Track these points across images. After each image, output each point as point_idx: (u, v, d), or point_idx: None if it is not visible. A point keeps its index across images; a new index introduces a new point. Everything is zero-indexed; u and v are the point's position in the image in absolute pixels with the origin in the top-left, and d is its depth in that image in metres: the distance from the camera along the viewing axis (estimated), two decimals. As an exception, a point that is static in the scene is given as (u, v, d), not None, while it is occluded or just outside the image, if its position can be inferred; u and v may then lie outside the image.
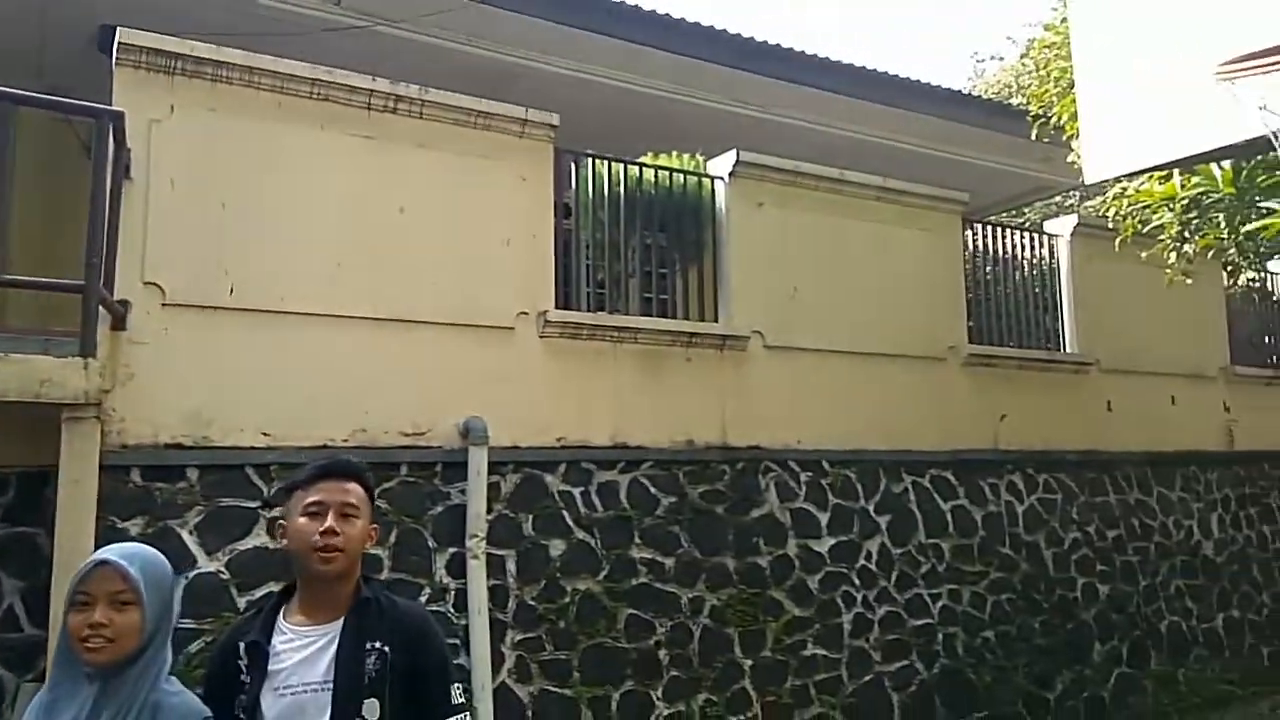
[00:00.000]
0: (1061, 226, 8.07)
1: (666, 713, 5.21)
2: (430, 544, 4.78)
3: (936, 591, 6.39)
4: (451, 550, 4.78)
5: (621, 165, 5.95)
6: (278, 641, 2.12)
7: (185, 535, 4.18)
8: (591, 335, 5.52)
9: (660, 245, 6.13)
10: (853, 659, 5.92)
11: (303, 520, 2.14)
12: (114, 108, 4.19)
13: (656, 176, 6.07)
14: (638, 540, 5.40)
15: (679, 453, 5.68)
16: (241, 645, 2.13)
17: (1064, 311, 7.86)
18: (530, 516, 5.12)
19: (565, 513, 5.23)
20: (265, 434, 4.51)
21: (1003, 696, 6.43)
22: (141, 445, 4.21)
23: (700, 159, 6.34)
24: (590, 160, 5.86)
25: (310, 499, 2.16)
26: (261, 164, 4.68)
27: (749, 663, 5.54)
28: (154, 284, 4.32)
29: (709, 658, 5.42)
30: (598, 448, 5.42)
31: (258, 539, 4.42)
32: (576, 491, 5.31)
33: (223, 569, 4.26)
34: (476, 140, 5.29)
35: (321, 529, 2.10)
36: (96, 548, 3.66)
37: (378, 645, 2.09)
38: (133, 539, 4.06)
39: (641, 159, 6.13)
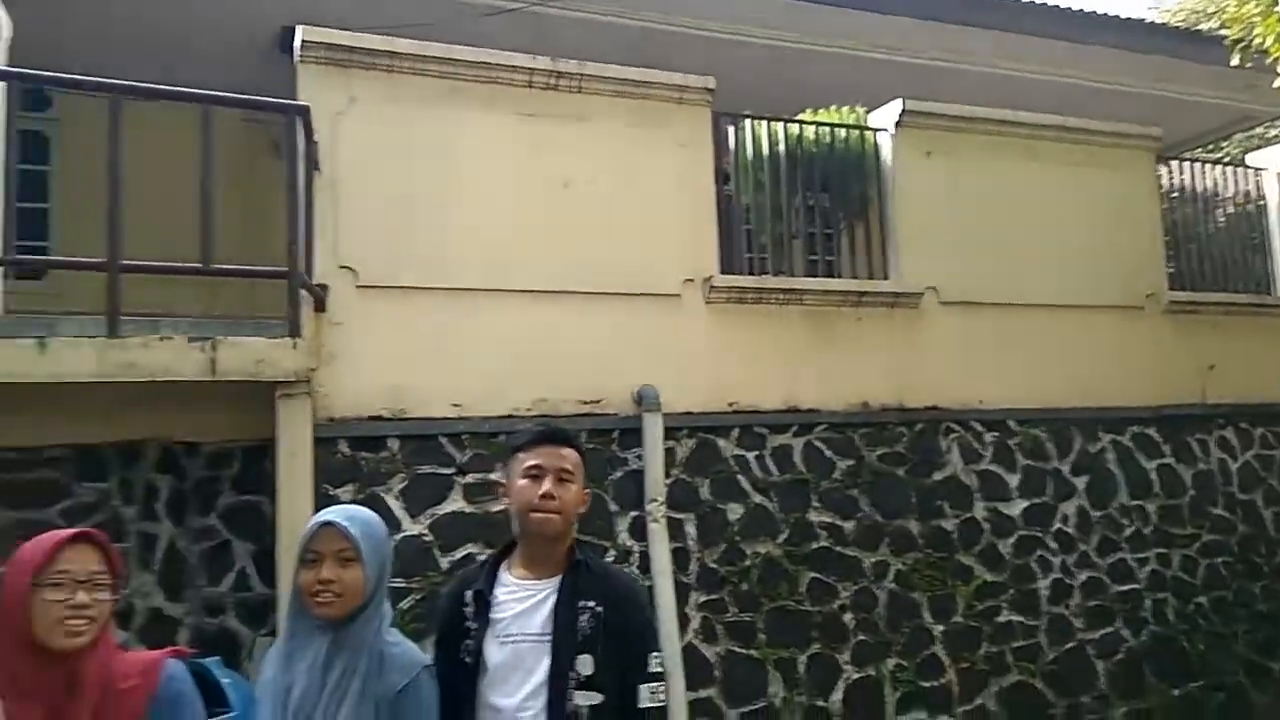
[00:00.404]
0: (1268, 159, 7.32)
1: (855, 676, 5.15)
2: (612, 508, 4.89)
3: (1143, 556, 5.99)
4: (632, 514, 4.88)
5: (780, 124, 5.83)
6: (500, 592, 2.22)
7: (391, 501, 4.45)
8: (758, 299, 5.47)
9: (823, 204, 5.99)
10: (1052, 626, 5.64)
11: (523, 482, 2.23)
12: (300, 103, 4.48)
13: (817, 134, 5.92)
14: (815, 504, 5.33)
15: (853, 415, 5.55)
16: (468, 593, 2.24)
17: (1274, 251, 7.15)
18: (706, 481, 5.15)
19: (741, 477, 5.23)
20: (455, 405, 4.73)
21: (1221, 665, 5.97)
22: (346, 419, 4.51)
23: (861, 112, 6.13)
24: (748, 122, 5.78)
25: (530, 462, 2.24)
26: (436, 147, 4.88)
27: (940, 628, 5.38)
28: (348, 268, 4.60)
29: (896, 622, 5.30)
30: (769, 412, 5.37)
31: (455, 504, 4.65)
32: (750, 455, 5.29)
33: (425, 531, 4.52)
34: (635, 110, 5.32)
35: (540, 492, 2.19)
36: (314, 513, 4.00)
37: (591, 605, 2.15)
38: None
39: (800, 116, 6.00)
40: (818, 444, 5.43)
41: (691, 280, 5.29)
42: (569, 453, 2.27)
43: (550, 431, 2.33)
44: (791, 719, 4.99)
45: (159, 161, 4.89)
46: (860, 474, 5.47)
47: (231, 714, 2.56)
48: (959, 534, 5.59)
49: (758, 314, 5.45)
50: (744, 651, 4.99)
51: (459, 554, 4.59)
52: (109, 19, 6.20)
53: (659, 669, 2.19)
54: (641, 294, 5.16)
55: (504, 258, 4.91)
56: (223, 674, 3.02)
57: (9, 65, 4.30)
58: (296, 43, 4.70)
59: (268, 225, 6.91)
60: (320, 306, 4.50)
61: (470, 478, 4.73)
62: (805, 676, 5.07)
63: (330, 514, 2.16)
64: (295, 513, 3.97)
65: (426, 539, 4.52)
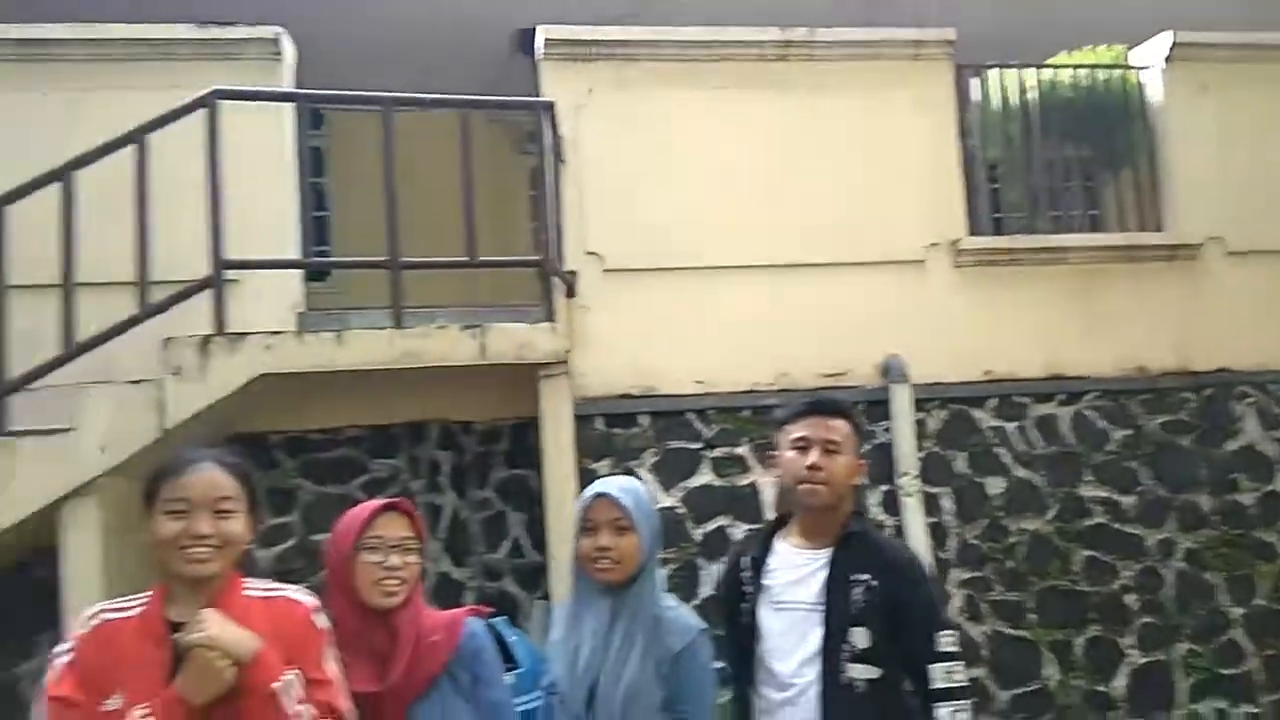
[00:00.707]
0: None
1: (1141, 661, 4.76)
2: (862, 481, 4.80)
3: None
4: (883, 488, 4.76)
5: (1031, 71, 5.44)
6: (773, 560, 2.26)
7: (644, 474, 4.61)
8: (1011, 260, 5.14)
9: (1081, 154, 5.53)
10: (1374, 610, 4.94)
11: (790, 454, 2.25)
12: (547, 99, 4.71)
13: (1073, 78, 5.46)
14: (1088, 477, 4.95)
15: (1128, 381, 5.10)
16: (744, 560, 2.30)
17: None
18: (962, 453, 4.93)
19: (1000, 449, 4.95)
20: (699, 382, 4.82)
21: None
22: (599, 397, 4.72)
23: (1120, 50, 5.59)
24: (993, 72, 5.43)
25: (796, 434, 2.25)
26: (671, 129, 4.96)
27: (1238, 611, 4.86)
28: (594, 253, 4.80)
29: (1187, 605, 4.84)
30: (1030, 379, 5.04)
31: (704, 477, 4.75)
32: (1010, 427, 4.99)
33: (678, 504, 4.65)
34: (869, 72, 5.15)
35: (807, 464, 2.20)
36: (580, 487, 4.23)
37: (865, 578, 2.14)
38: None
39: (1051, 61, 5.56)
40: (1087, 413, 5.04)
41: (937, 245, 5.06)
42: (838, 423, 2.25)
43: (817, 402, 2.32)
44: (1068, 702, 4.71)
45: (414, 164, 5.32)
46: (1139, 444, 5.02)
47: (520, 669, 2.75)
48: (1258, 509, 5.01)
49: (1012, 276, 5.13)
50: (1013, 632, 4.75)
51: (710, 526, 4.69)
52: (365, 39, 6.81)
53: (951, 648, 2.12)
54: (883, 262, 5.01)
55: (741, 234, 4.93)
56: (510, 632, 3.26)
57: (294, 88, 4.83)
58: (539, 42, 4.94)
59: (511, 217, 7.42)
60: (571, 292, 4.74)
61: (718, 452, 4.82)
62: (1083, 659, 4.75)
63: (604, 485, 2.26)
64: (560, 485, 4.22)
65: (680, 511, 4.64)
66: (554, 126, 4.62)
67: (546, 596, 4.61)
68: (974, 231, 5.20)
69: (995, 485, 4.90)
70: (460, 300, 5.23)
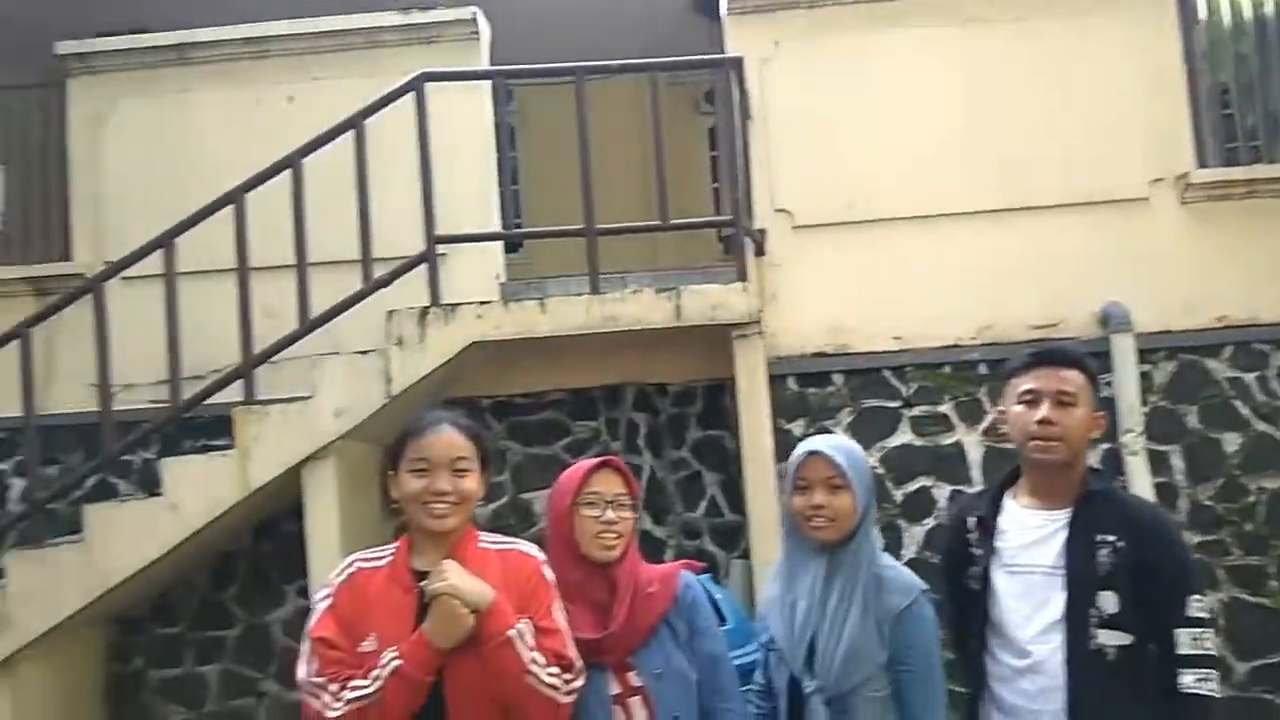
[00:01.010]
0: None
1: (1406, 634, 4.29)
2: (1097, 436, 4.52)
3: None
4: (1104, 446, 4.48)
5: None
6: (1004, 520, 2.15)
7: (840, 435, 4.56)
8: (1248, 193, 4.66)
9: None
10: None
11: (1018, 409, 2.12)
12: (734, 55, 4.66)
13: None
14: (1338, 430, 4.48)
15: (1392, 321, 4.55)
16: (970, 520, 2.22)
17: None
18: (1194, 408, 4.55)
19: (1237, 402, 4.54)
20: (896, 338, 4.68)
21: None
22: (792, 356, 4.68)
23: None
24: (1222, -16, 4.90)
25: (1024, 387, 2.12)
26: (860, 76, 4.80)
27: None
28: (784, 210, 4.74)
29: None
30: (1271, 325, 4.58)
31: (903, 437, 4.64)
32: (1249, 378, 4.56)
33: (876, 465, 4.56)
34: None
35: (1037, 418, 2.07)
36: (775, 447, 4.24)
37: (1110, 539, 2.00)
38: (798, 439, 4.58)
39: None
40: (1337, 359, 4.54)
41: (1161, 180, 4.66)
42: (1070, 374, 2.10)
43: (1046, 352, 2.17)
44: (1318, 678, 4.31)
45: (593, 131, 5.40)
46: None
47: (727, 626, 2.79)
48: None
49: (1251, 212, 4.66)
50: (1253, 599, 4.39)
51: (912, 487, 4.59)
52: (544, 11, 6.93)
53: (1201, 613, 1.98)
54: (1099, 202, 4.66)
55: (937, 181, 4.72)
56: (715, 589, 3.33)
57: (491, 65, 5.01)
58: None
59: (691, 179, 7.42)
60: (760, 251, 4.70)
61: (918, 410, 4.68)
62: (1340, 632, 4.33)
63: (816, 443, 2.22)
64: (756, 445, 4.22)
65: (879, 472, 4.55)
66: (741, 83, 4.56)
67: (744, 555, 4.65)
68: (1203, 164, 4.74)
69: (1231, 441, 4.51)
70: (644, 265, 5.31)
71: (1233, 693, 4.28)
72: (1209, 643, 1.96)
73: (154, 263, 4.17)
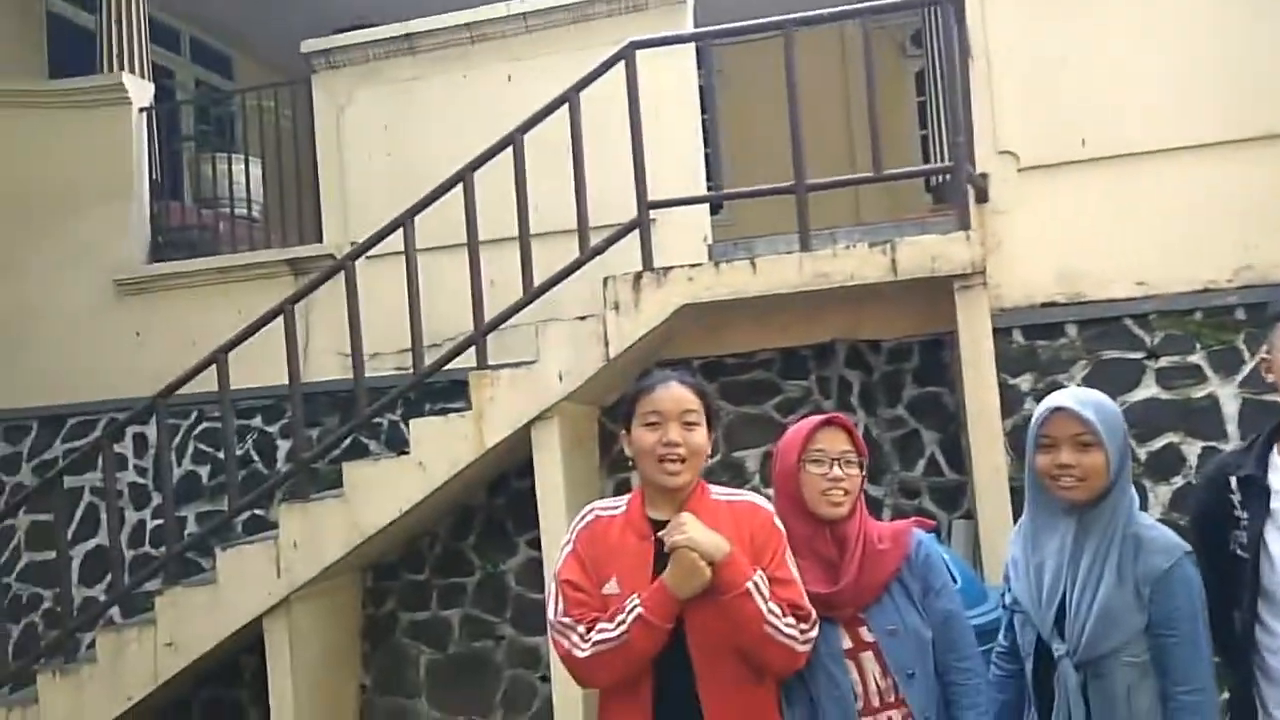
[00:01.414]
0: None
1: None
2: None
3: None
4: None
5: None
6: (1275, 478, 1.99)
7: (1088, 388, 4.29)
8: None
9: None
10: None
11: None
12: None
13: None
14: None
15: None
16: (1233, 479, 2.06)
17: None
18: None
19: None
20: (1139, 283, 4.33)
21: None
22: (1018, 307, 4.43)
23: None
24: None
25: None
26: (1090, 5, 4.43)
27: None
28: (1008, 152, 4.46)
29: None
30: None
31: (1148, 390, 4.30)
32: None
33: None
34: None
35: None
36: (1001, 403, 4.05)
37: None
38: (1024, 395, 4.37)
39: None
40: None
41: None
42: None
43: None
44: None
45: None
46: None
47: (956, 586, 2.72)
48: None
49: None
50: None
51: (1157, 444, 4.25)
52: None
53: None
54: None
55: (1183, 111, 4.29)
56: (942, 549, 3.25)
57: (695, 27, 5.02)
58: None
59: (898, 126, 7.13)
60: (982, 196, 4.46)
61: (1164, 361, 4.32)
62: None
63: (1062, 398, 2.10)
64: (980, 402, 4.04)
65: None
66: (960, 21, 4.32)
67: (966, 516, 4.50)
68: None
69: None
70: (849, 220, 5.18)
71: None
72: None
73: (394, 240, 4.51)
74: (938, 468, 4.65)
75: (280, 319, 4.56)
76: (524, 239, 4.38)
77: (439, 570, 5.15)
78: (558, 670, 4.14)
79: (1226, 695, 2.11)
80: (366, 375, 4.73)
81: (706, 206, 5.06)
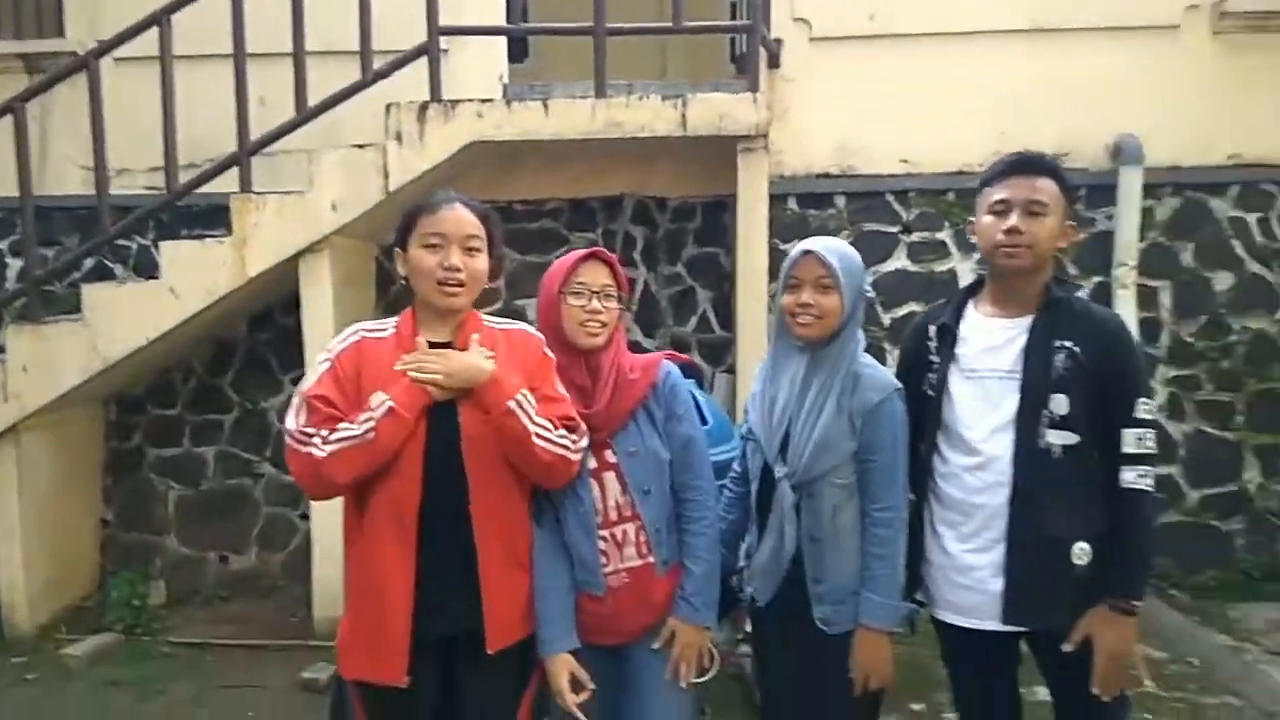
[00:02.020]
0: None
1: (1361, 472, 4.48)
2: (1073, 271, 4.55)
3: None
4: (1096, 280, 4.50)
5: None
6: (965, 327, 2.19)
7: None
8: (1284, 26, 4.48)
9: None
10: None
11: (988, 219, 2.13)
12: None
13: None
14: (1334, 276, 4.50)
15: (1406, 169, 4.48)
16: (932, 328, 2.24)
17: None
18: (1190, 245, 4.56)
19: (1235, 242, 4.54)
20: (903, 161, 4.61)
21: None
22: (796, 176, 4.63)
23: None
24: None
25: (996, 197, 2.12)
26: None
27: None
28: (802, 20, 4.56)
29: None
30: (1283, 166, 4.52)
31: (899, 262, 4.66)
32: (1251, 218, 4.55)
33: (869, 289, 4.59)
34: None
35: (1005, 227, 2.08)
36: (771, 267, 4.24)
37: (1067, 344, 2.04)
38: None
39: None
40: (1345, 204, 4.51)
41: (1196, 6, 4.47)
42: (1043, 183, 2.08)
43: (1019, 160, 2.13)
44: (1265, 506, 4.52)
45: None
46: (1402, 241, 4.48)
47: (708, 425, 2.88)
48: None
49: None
50: (1216, 433, 4.55)
51: (900, 312, 4.64)
52: None
53: (1147, 415, 2.04)
54: (1131, 27, 4.49)
55: (963, -4, 4.51)
56: (699, 394, 3.43)
57: None
58: None
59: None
60: (774, 62, 4.54)
61: (916, 236, 4.67)
62: (1292, 467, 4.52)
63: (812, 243, 2.20)
64: (751, 262, 4.20)
65: (869, 295, 4.58)
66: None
67: (731, 370, 4.75)
68: (1242, -8, 4.55)
69: (1223, 280, 4.55)
70: (653, 78, 5.14)
71: (1183, 518, 4.51)
72: (1150, 442, 2.03)
73: (150, 44, 4.03)
74: (709, 325, 4.85)
75: (9, 120, 4.01)
76: (299, 54, 4.04)
77: (193, 405, 4.88)
78: (318, 508, 4.10)
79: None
80: (114, 193, 4.29)
81: (504, 45, 4.84)
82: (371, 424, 1.86)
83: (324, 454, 1.86)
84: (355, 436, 1.86)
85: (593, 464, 2.10)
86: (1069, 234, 2.15)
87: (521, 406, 1.91)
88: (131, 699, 3.70)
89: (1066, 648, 2.02)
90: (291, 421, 1.91)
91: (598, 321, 2.11)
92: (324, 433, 1.87)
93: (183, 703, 3.67)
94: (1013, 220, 2.07)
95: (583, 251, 2.16)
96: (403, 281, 2.02)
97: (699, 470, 2.18)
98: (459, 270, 1.94)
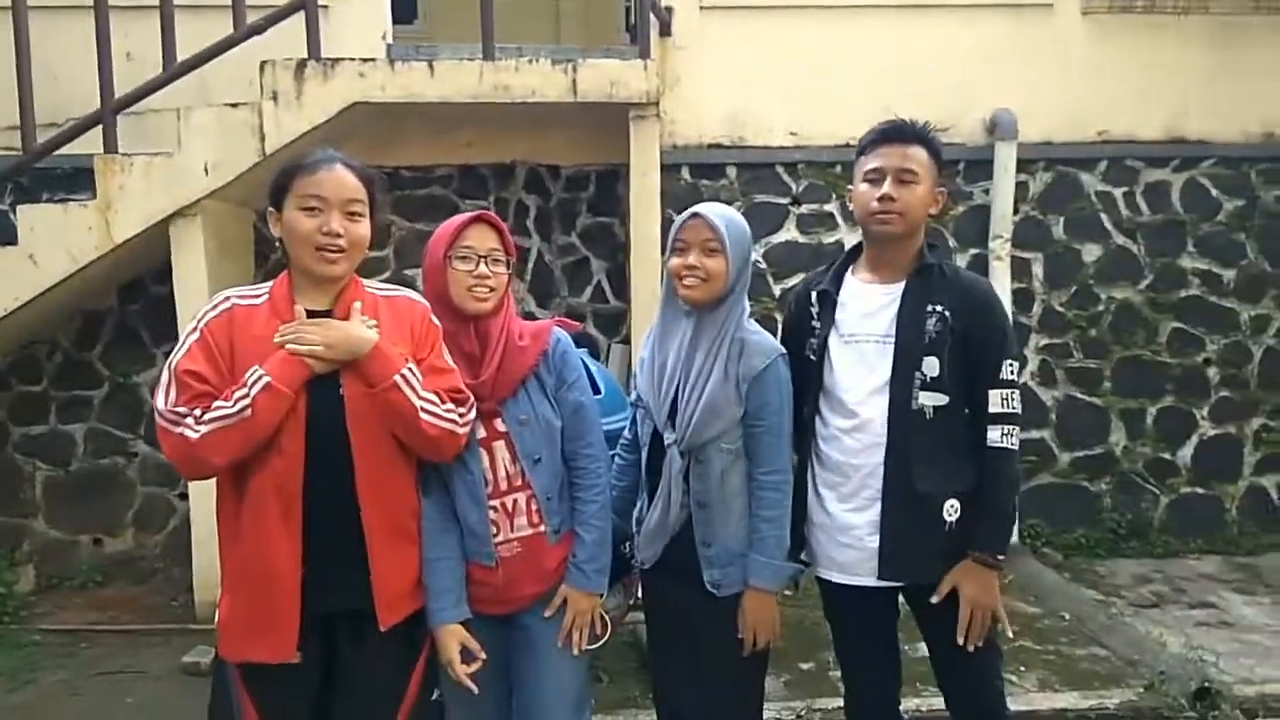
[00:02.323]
0: None
1: (1212, 433, 4.80)
2: (951, 244, 4.71)
3: None
4: (973, 251, 4.68)
5: None
6: (844, 293, 2.24)
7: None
8: (1149, 7, 4.71)
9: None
10: None
11: (863, 187, 2.17)
12: None
13: None
14: (1190, 248, 4.79)
15: (1254, 148, 4.79)
16: (813, 294, 2.28)
17: None
18: (1061, 218, 4.78)
19: (1103, 215, 4.79)
20: (792, 134, 4.68)
21: None
22: (688, 145, 4.64)
23: None
24: None
25: (870, 165, 2.16)
26: None
27: (1325, 391, 4.80)
28: (694, -13, 4.55)
29: (1272, 381, 4.79)
30: (1147, 142, 4.77)
31: (788, 234, 4.74)
32: (1118, 192, 4.79)
33: (759, 260, 4.66)
34: None
35: (878, 195, 2.12)
36: (661, 235, 4.25)
37: (938, 309, 2.11)
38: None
39: None
40: (1202, 180, 4.80)
41: (1069, -14, 4.66)
42: (914, 151, 2.14)
43: (891, 129, 2.19)
44: (1131, 468, 4.81)
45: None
46: (1250, 217, 4.80)
47: (600, 395, 2.87)
48: (1368, 291, 4.81)
49: (1147, 26, 4.74)
50: (1085, 398, 4.80)
51: (790, 282, 4.70)
52: None
53: (1011, 376, 2.13)
54: (1007, 5, 4.66)
55: (853, -31, 4.59)
56: (592, 364, 3.42)
57: None
58: None
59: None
60: (665, 30, 4.53)
61: (805, 208, 4.75)
62: (1152, 429, 4.81)
63: (699, 207, 2.21)
64: (643, 234, 4.18)
65: (760, 266, 4.66)
66: None
67: (626, 340, 4.75)
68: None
69: (1091, 252, 4.78)
70: (548, 42, 5.07)
71: (1054, 479, 4.76)
72: (1015, 403, 2.13)
73: (0, -10, 3.76)
74: (603, 295, 4.84)
75: None
76: (166, 6, 3.81)
77: (59, 381, 4.61)
78: (197, 488, 3.93)
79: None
80: (-36, 153, 3.98)
81: (387, 4, 4.67)
82: (248, 401, 1.76)
83: (197, 435, 1.75)
84: (230, 415, 1.75)
85: (482, 433, 2.05)
86: (939, 200, 2.20)
87: (408, 381, 1.85)
88: (-4, 690, 3.50)
89: (934, 600, 2.10)
90: (161, 400, 1.79)
91: (485, 286, 2.05)
92: (196, 412, 1.76)
93: (55, 692, 3.48)
94: (885, 188, 2.12)
95: (469, 215, 2.09)
96: (277, 245, 1.91)
97: (590, 437, 2.16)
98: (339, 236, 1.84)
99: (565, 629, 2.09)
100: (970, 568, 2.09)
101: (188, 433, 1.75)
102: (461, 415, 1.93)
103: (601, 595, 2.13)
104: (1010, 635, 2.43)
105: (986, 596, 2.09)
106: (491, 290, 2.07)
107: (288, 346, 1.81)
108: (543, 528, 2.07)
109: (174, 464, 1.81)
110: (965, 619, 2.08)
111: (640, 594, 2.34)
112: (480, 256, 2.05)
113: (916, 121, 2.22)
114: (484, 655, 2.00)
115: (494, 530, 2.04)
